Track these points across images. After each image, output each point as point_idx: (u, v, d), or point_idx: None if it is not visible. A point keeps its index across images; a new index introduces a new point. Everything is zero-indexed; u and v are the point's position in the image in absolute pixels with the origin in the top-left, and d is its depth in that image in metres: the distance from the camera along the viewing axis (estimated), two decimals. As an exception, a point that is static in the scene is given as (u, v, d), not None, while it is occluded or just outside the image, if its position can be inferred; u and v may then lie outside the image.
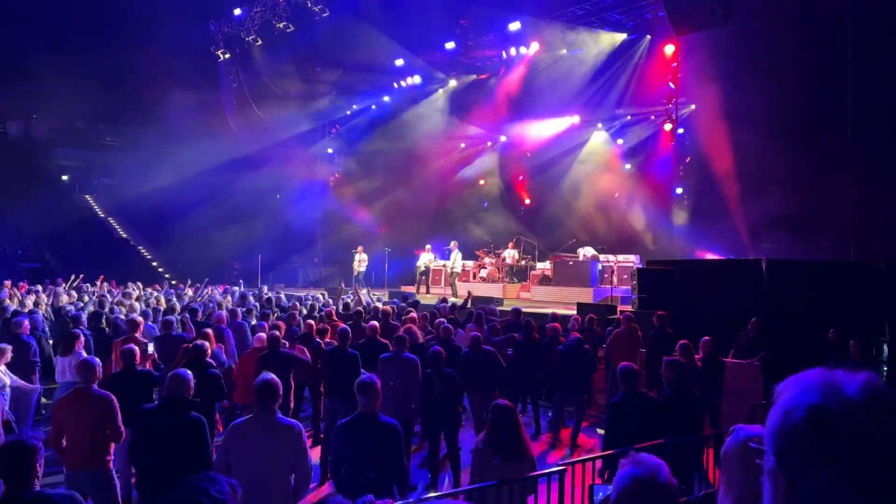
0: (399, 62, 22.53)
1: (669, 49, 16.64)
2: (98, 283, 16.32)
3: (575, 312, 12.10)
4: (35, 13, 27.27)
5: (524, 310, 11.33)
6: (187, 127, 25.60)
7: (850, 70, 14.12)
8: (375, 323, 8.78)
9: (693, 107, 18.48)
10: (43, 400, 8.70)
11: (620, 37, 18.89)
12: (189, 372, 4.97)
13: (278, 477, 4.14)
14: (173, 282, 20.30)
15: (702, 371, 7.79)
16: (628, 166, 20.56)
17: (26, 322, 8.31)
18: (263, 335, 8.13)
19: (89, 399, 5.17)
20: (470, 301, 12.92)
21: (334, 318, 10.58)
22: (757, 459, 1.13)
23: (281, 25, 22.76)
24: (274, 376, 4.38)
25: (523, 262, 18.67)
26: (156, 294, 14.64)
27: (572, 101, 20.04)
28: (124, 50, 26.30)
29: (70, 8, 27.29)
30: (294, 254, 26.37)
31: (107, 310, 10.87)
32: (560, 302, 15.08)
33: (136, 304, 11.81)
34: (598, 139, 21.45)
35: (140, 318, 8.77)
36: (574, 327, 10.26)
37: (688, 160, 19.07)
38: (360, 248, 19.53)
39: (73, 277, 16.55)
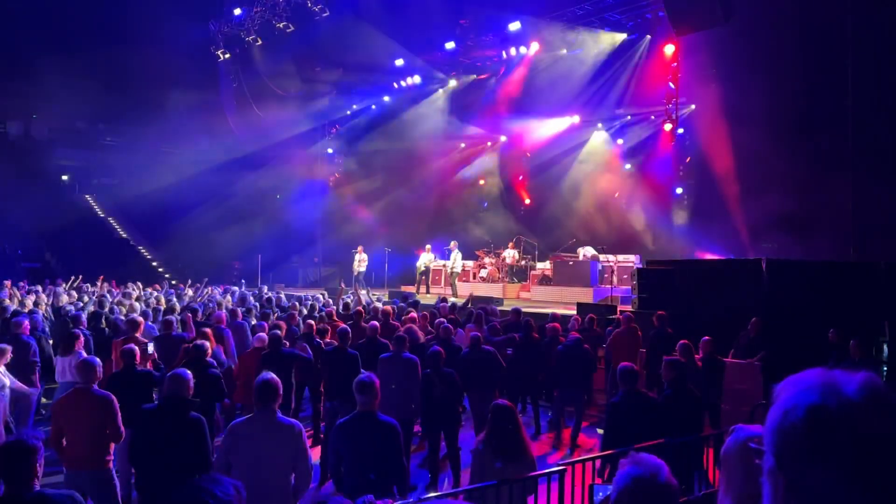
0: (399, 62, 22.53)
1: (669, 49, 16.63)
2: (98, 284, 16.33)
3: (575, 312, 12.10)
4: (35, 13, 27.28)
5: (524, 310, 11.33)
6: (187, 127, 25.63)
7: (850, 70, 14.11)
8: (376, 323, 8.78)
9: (693, 107, 18.48)
10: (43, 400, 8.71)
11: (620, 37, 18.88)
12: (188, 372, 4.97)
13: (278, 477, 4.14)
14: (173, 282, 20.31)
15: (702, 371, 7.78)
16: (628, 166, 20.56)
17: (26, 322, 8.31)
18: (264, 335, 8.13)
19: (89, 399, 5.17)
20: (471, 302, 12.92)
21: (335, 318, 10.59)
22: (756, 459, 1.13)
23: (281, 25, 22.76)
24: (274, 376, 4.37)
25: (523, 262, 18.67)
26: (156, 294, 14.64)
27: (572, 101, 20.04)
28: (124, 50, 26.31)
29: (70, 8, 27.30)
30: (294, 254, 26.38)
31: (106, 310, 10.86)
32: (560, 302, 15.08)
33: (137, 305, 11.81)
34: (598, 139, 21.45)
35: (140, 318, 8.77)
36: (574, 327, 10.26)
37: (688, 160, 19.07)
38: (360, 248, 19.53)
39: (73, 278, 16.55)
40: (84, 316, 9.74)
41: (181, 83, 25.34)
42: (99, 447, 5.13)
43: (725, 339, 9.19)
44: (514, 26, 19.53)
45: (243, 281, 19.57)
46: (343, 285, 16.88)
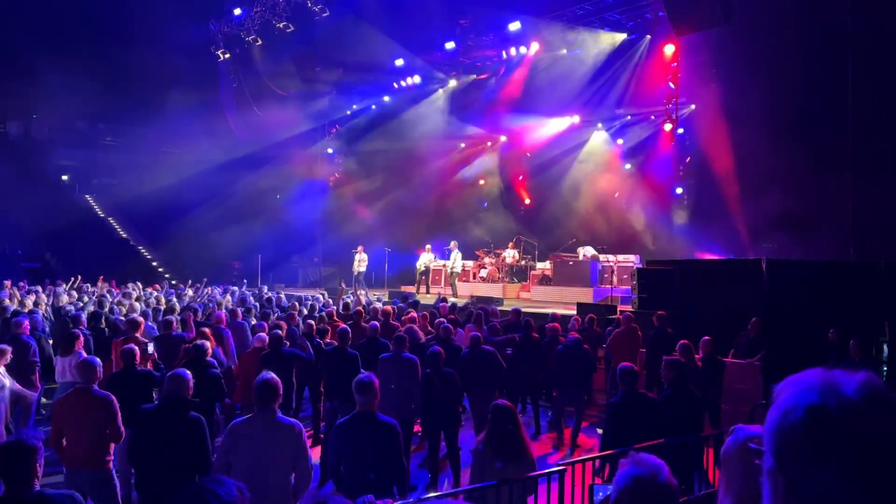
0: (399, 62, 22.52)
1: (669, 49, 16.63)
2: (98, 284, 16.33)
3: (575, 312, 12.09)
4: (35, 13, 27.28)
5: (524, 310, 11.33)
6: (187, 127, 25.60)
7: (850, 70, 14.11)
8: (376, 323, 8.79)
9: (693, 107, 18.48)
10: (43, 400, 8.71)
11: (620, 37, 18.88)
12: (188, 372, 4.96)
13: (278, 476, 4.14)
14: (173, 282, 20.31)
15: (702, 371, 7.78)
16: (628, 166, 20.55)
17: (26, 322, 8.31)
18: (264, 335, 8.13)
19: (89, 399, 5.17)
20: (473, 303, 12.93)
21: (335, 318, 10.59)
22: (756, 459, 1.13)
23: (281, 25, 22.77)
24: (274, 375, 4.37)
25: (523, 262, 18.67)
26: (156, 294, 14.64)
27: (572, 101, 20.03)
28: (124, 50, 26.32)
29: (70, 8, 27.30)
30: (294, 254, 26.37)
31: (106, 310, 10.86)
32: (560, 302, 15.08)
33: (137, 305, 11.81)
34: (598, 139, 21.45)
35: (141, 318, 8.77)
36: (574, 327, 10.26)
37: (688, 160, 19.07)
38: (360, 248, 19.54)
39: (73, 279, 16.55)
40: (84, 316, 9.74)
41: (181, 83, 25.33)
42: (99, 447, 5.13)
43: (725, 339, 9.19)
44: (514, 26, 19.53)
45: (245, 281, 19.57)
46: (344, 285, 16.89)
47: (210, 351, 6.98)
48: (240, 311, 10.89)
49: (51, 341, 9.30)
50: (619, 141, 21.06)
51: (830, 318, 8.83)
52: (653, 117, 19.48)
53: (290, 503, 4.21)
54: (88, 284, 16.46)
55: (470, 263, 19.53)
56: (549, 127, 21.43)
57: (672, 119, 16.98)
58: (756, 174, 15.59)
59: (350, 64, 23.41)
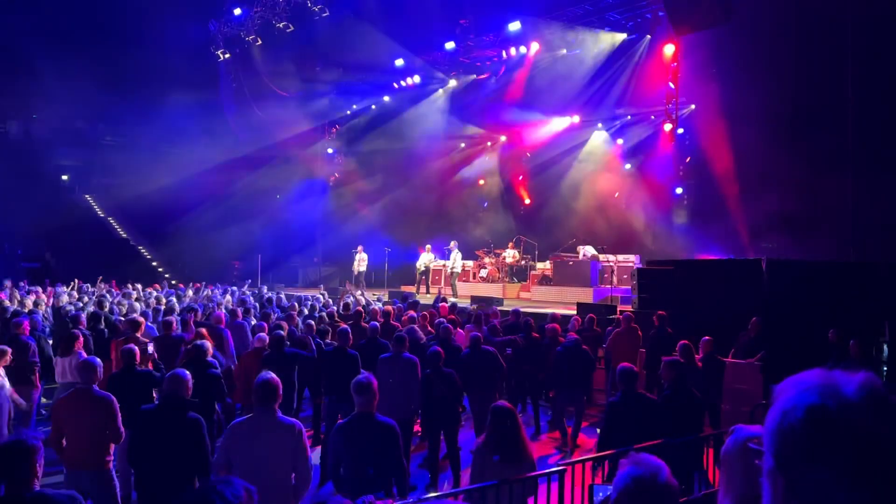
0: (399, 62, 22.53)
1: (669, 49, 16.61)
2: (98, 284, 16.32)
3: (575, 312, 12.09)
4: (35, 13, 27.28)
5: (524, 310, 11.33)
6: (187, 127, 25.61)
7: (850, 69, 14.12)
8: (376, 323, 8.79)
9: (693, 107, 18.47)
10: (43, 400, 8.71)
11: (620, 37, 18.88)
12: (187, 372, 4.96)
13: (278, 476, 4.14)
14: (173, 282, 20.31)
15: (702, 371, 7.78)
16: (628, 166, 20.55)
17: (26, 322, 8.31)
18: (264, 335, 8.12)
19: (90, 400, 5.17)
20: (476, 305, 12.94)
21: (336, 318, 10.59)
22: (756, 460, 1.13)
23: (281, 25, 22.79)
24: (274, 375, 4.37)
25: (523, 262, 18.67)
26: (155, 294, 14.64)
27: (572, 101, 20.02)
28: (124, 50, 26.36)
29: (70, 8, 27.29)
30: (294, 254, 26.37)
31: (106, 310, 10.86)
32: (560, 302, 15.09)
33: (137, 305, 11.81)
34: (598, 139, 21.44)
35: (141, 318, 8.77)
36: (574, 327, 10.25)
37: (688, 160, 19.07)
38: (360, 248, 19.53)
39: (73, 283, 16.53)
40: (84, 316, 9.74)
41: (181, 83, 25.34)
42: (99, 447, 5.13)
43: (725, 339, 9.19)
44: (514, 26, 19.53)
45: (248, 281, 19.55)
46: (348, 286, 16.91)
47: (210, 351, 6.98)
48: (240, 311, 10.89)
49: (51, 342, 9.30)
50: (619, 141, 21.05)
51: (830, 318, 8.82)
52: (653, 117, 19.47)
53: (290, 503, 4.21)
54: (88, 285, 16.46)
55: (470, 263, 19.53)
56: (549, 127, 21.42)
57: (672, 119, 16.97)
58: (756, 174, 15.59)
59: (350, 64, 23.42)
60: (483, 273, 19.02)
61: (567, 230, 19.69)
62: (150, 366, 7.14)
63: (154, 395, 6.53)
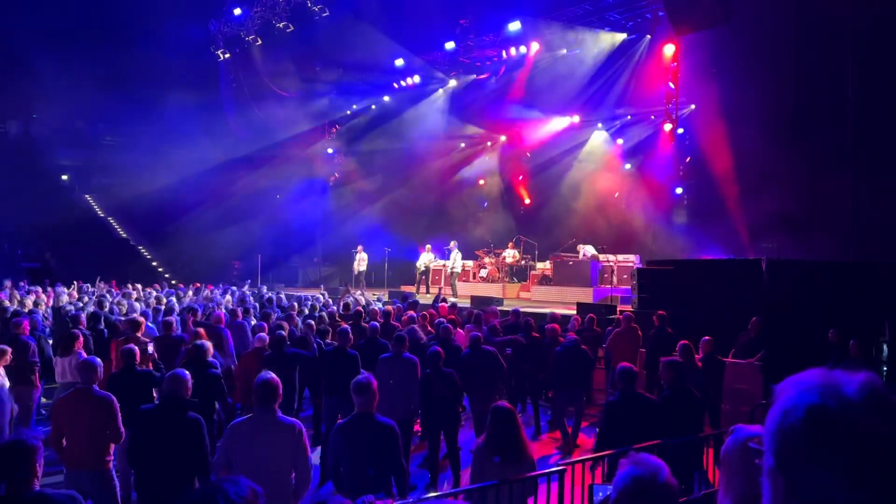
0: (399, 62, 22.53)
1: (669, 49, 16.61)
2: (97, 284, 16.32)
3: (575, 312, 12.09)
4: (35, 13, 27.26)
5: (524, 310, 11.33)
6: (187, 127, 25.61)
7: (850, 69, 14.12)
8: (376, 323, 8.79)
9: (693, 107, 18.48)
10: (43, 400, 8.70)
11: (620, 37, 18.88)
12: (187, 372, 4.96)
13: (279, 476, 4.14)
14: (173, 282, 20.31)
15: (702, 371, 7.78)
16: (628, 166, 20.55)
17: (26, 322, 8.31)
18: (265, 335, 8.12)
19: (90, 399, 5.17)
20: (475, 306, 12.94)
21: (336, 318, 10.59)
22: (756, 460, 1.13)
23: (281, 25, 22.80)
24: (274, 375, 4.37)
25: (523, 262, 18.67)
26: (155, 294, 14.64)
27: (572, 101, 20.03)
28: (124, 50, 26.32)
29: (70, 8, 27.28)
30: (294, 254, 26.38)
31: (106, 310, 10.86)
32: (560, 302, 15.08)
33: (137, 305, 11.80)
34: (598, 139, 21.44)
35: (142, 318, 8.77)
36: (574, 327, 10.25)
37: (687, 160, 19.07)
38: (360, 248, 19.52)
39: (73, 284, 16.51)
40: (83, 316, 9.74)
41: (181, 83, 25.36)
42: (99, 447, 5.13)
43: (725, 339, 9.19)
44: (514, 26, 19.53)
45: (248, 281, 19.55)
46: (350, 287, 16.91)
47: (210, 351, 6.98)
48: (240, 311, 10.89)
49: (51, 342, 9.30)
50: (619, 141, 21.06)
51: (830, 318, 8.82)
52: (653, 117, 19.47)
53: (290, 503, 4.21)
54: (88, 285, 16.46)
55: (470, 263, 19.53)
56: (549, 126, 21.42)
57: (672, 119, 16.97)
58: (756, 174, 15.59)
59: (350, 64, 23.43)
60: (483, 273, 19.02)
61: (567, 230, 19.69)
62: (150, 366, 7.14)
63: (154, 395, 6.53)
